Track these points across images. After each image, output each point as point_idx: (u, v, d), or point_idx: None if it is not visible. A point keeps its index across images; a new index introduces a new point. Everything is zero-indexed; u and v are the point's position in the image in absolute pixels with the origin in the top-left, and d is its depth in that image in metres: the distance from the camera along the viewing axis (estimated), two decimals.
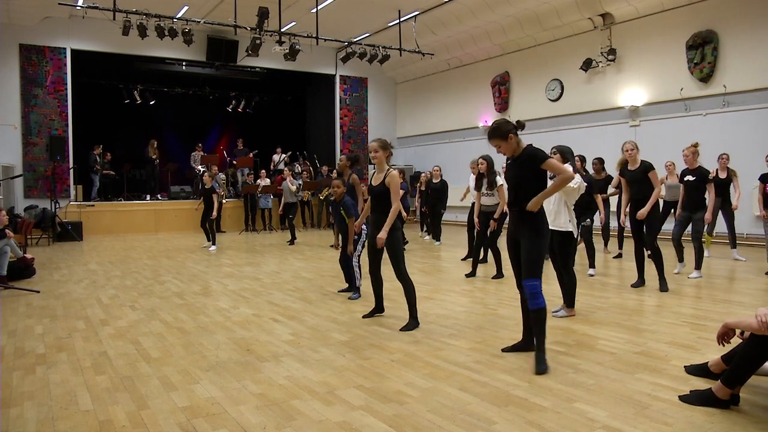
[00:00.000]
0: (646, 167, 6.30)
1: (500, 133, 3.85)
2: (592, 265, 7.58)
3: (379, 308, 5.34)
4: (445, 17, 14.62)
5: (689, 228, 7.32)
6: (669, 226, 8.38)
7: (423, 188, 12.23)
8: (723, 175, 8.71)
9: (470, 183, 8.98)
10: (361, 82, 18.75)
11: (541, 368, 3.68)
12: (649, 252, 6.52)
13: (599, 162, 8.59)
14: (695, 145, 7.16)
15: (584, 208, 7.22)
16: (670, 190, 8.61)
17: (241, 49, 15.40)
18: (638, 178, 6.33)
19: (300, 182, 14.68)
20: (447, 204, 11.49)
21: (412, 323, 4.87)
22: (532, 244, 3.83)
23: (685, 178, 7.20)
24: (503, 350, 4.17)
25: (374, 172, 5.12)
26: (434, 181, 11.49)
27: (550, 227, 5.21)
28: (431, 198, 11.52)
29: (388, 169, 4.99)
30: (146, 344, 4.48)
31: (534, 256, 3.82)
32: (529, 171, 3.85)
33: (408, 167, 17.86)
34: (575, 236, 5.27)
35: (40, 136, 14.02)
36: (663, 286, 6.32)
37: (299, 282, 7.34)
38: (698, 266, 7.21)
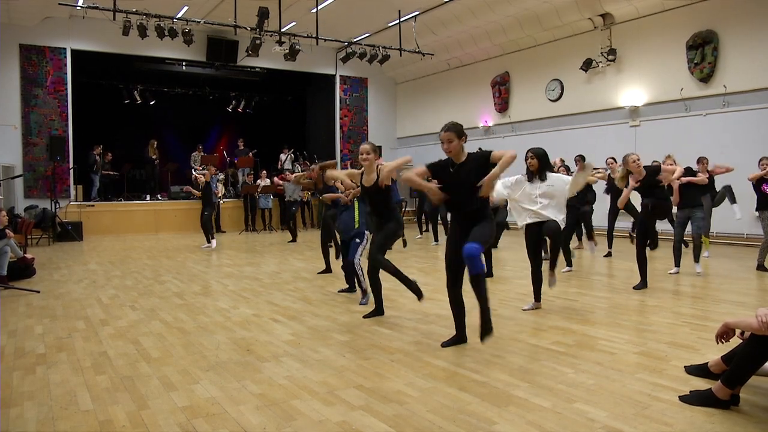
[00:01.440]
0: (655, 170, 6.32)
1: (459, 129, 4.10)
2: (589, 238, 8.20)
3: (379, 311, 5.33)
4: (445, 17, 14.62)
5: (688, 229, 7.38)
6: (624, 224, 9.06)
7: None
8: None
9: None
10: (361, 82, 18.74)
11: (487, 329, 3.88)
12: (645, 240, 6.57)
13: (582, 159, 8.35)
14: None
15: (581, 198, 7.52)
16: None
17: (241, 49, 15.38)
18: (653, 183, 6.30)
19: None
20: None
21: (416, 289, 5.04)
22: (485, 226, 4.02)
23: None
24: (443, 345, 4.26)
25: (362, 174, 5.20)
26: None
27: (533, 219, 5.24)
28: (427, 196, 11.54)
29: (378, 167, 5.11)
30: (146, 344, 4.48)
31: (485, 231, 4.02)
32: (477, 174, 3.97)
33: (408, 167, 17.82)
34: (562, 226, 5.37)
35: (40, 136, 14.01)
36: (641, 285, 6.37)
37: (299, 282, 7.34)
38: (696, 259, 7.34)
